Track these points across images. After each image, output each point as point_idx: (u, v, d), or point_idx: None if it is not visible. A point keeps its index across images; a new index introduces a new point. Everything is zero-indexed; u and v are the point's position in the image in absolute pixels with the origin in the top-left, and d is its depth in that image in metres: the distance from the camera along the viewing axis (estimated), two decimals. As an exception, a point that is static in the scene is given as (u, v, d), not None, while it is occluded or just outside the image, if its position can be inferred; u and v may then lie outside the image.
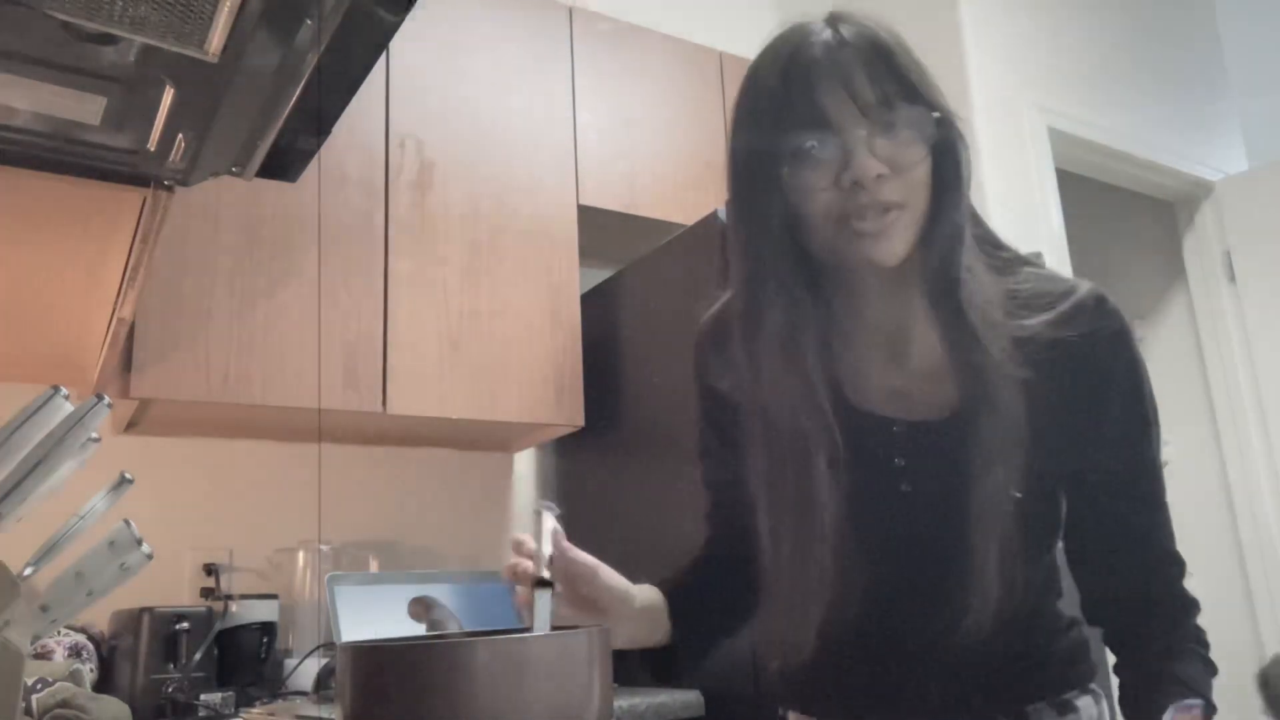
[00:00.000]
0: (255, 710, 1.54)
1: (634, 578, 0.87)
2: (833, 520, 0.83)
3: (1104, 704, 0.91)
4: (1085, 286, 0.87)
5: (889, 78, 0.79)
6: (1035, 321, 0.84)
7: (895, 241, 0.80)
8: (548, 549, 0.75)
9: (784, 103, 0.80)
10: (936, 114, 0.80)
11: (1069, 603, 0.94)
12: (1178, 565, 0.88)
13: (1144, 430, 0.87)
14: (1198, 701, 0.77)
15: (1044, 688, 0.88)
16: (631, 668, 0.88)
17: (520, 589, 0.74)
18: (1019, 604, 0.83)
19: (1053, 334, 0.83)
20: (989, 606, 0.80)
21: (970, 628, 0.81)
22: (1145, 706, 0.81)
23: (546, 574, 0.72)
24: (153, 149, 0.99)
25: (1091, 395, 0.85)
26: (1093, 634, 0.94)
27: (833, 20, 0.82)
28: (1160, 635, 0.85)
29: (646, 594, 0.89)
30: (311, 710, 1.49)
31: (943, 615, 0.83)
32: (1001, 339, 0.82)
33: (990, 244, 0.89)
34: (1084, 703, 0.89)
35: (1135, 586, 0.87)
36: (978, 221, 0.88)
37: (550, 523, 0.78)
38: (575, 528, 0.81)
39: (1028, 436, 0.80)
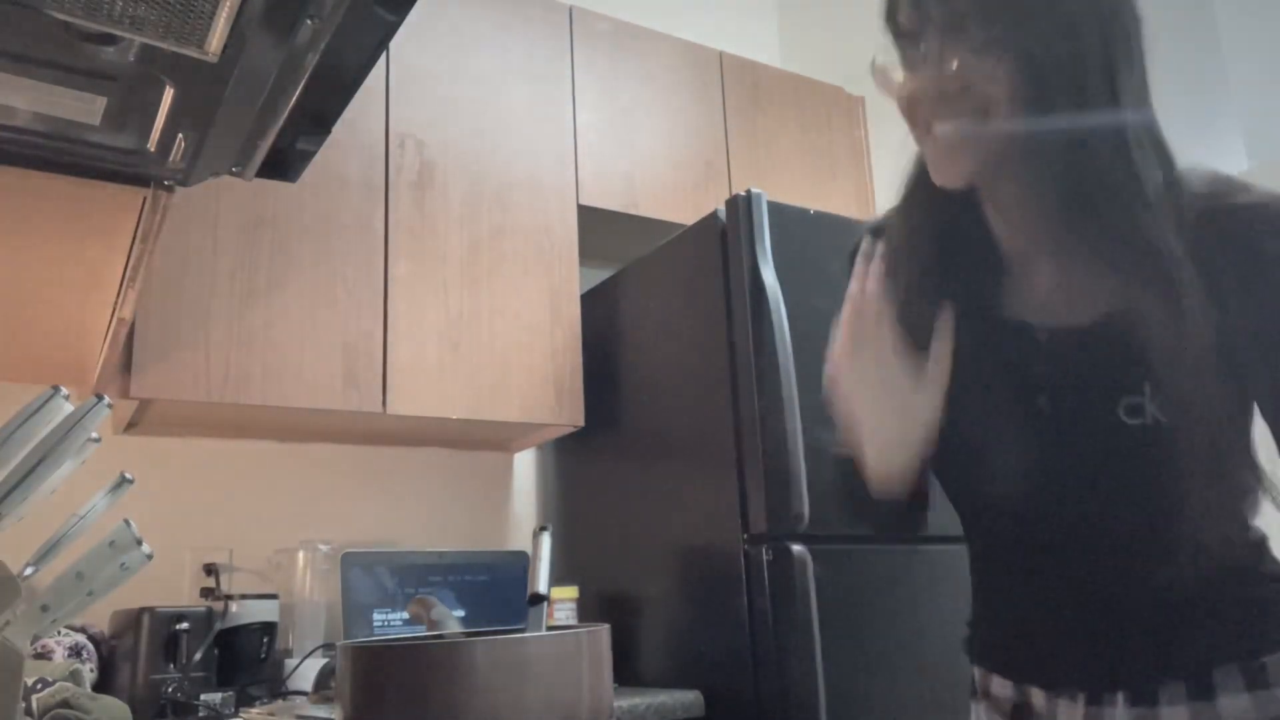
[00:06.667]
0: (255, 710, 1.54)
1: (633, 576, 0.89)
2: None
3: None
4: None
5: None
6: None
7: None
8: (546, 568, 0.83)
9: None
10: None
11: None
12: None
13: None
14: None
15: (1233, 646, 0.82)
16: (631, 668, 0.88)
17: None
18: (1228, 551, 0.81)
19: None
20: (1192, 553, 0.79)
21: (1169, 580, 0.80)
22: None
23: (544, 589, 0.75)
24: (153, 149, 0.99)
25: None
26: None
27: None
28: None
29: None
30: (311, 710, 1.49)
31: (1137, 561, 0.82)
32: None
33: None
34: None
35: None
36: None
37: (548, 543, 0.85)
38: (575, 527, 0.82)
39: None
